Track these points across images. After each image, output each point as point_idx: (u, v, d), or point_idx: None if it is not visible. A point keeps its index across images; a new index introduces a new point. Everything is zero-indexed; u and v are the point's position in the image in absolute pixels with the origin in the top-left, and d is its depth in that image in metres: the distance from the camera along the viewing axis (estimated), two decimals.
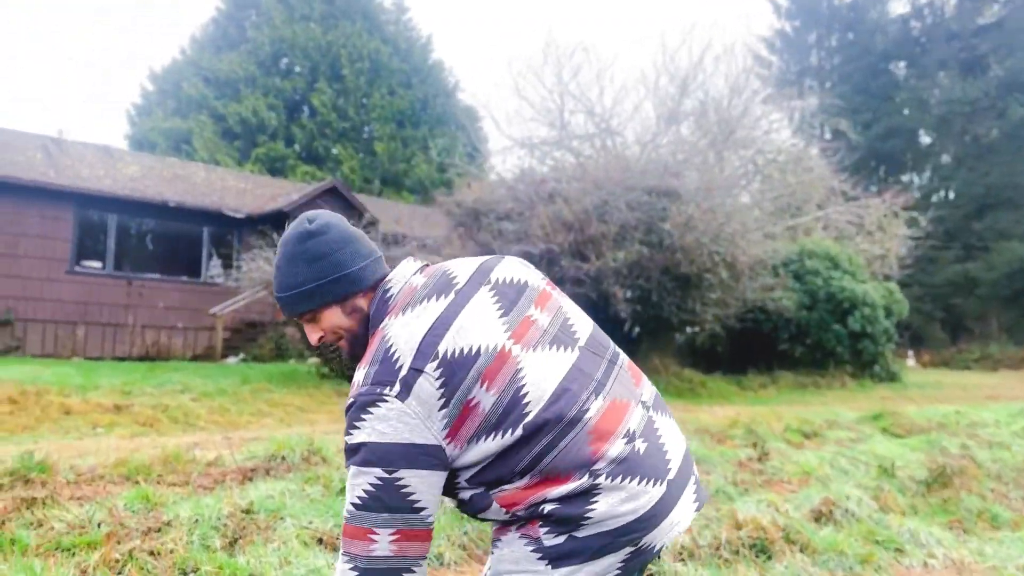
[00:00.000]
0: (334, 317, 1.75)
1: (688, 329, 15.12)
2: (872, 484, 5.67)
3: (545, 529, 1.61)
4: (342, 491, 4.37)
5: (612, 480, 1.59)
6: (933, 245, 24.62)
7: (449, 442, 1.57)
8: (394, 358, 1.58)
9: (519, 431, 1.57)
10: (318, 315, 1.76)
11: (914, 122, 40.64)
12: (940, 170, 40.92)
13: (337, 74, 32.83)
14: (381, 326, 1.67)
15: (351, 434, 1.57)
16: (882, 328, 18.35)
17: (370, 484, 1.54)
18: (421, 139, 33.49)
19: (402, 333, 1.61)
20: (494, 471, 1.61)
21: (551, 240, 13.50)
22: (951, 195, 39.98)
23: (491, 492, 1.64)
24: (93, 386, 10.39)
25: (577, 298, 13.53)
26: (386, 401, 1.54)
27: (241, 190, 20.26)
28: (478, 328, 1.62)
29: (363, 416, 1.55)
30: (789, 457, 6.48)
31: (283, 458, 5.19)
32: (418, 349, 1.57)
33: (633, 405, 1.70)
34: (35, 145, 17.97)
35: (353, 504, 1.57)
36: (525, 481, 1.61)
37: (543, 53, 36.03)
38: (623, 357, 1.82)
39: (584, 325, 1.79)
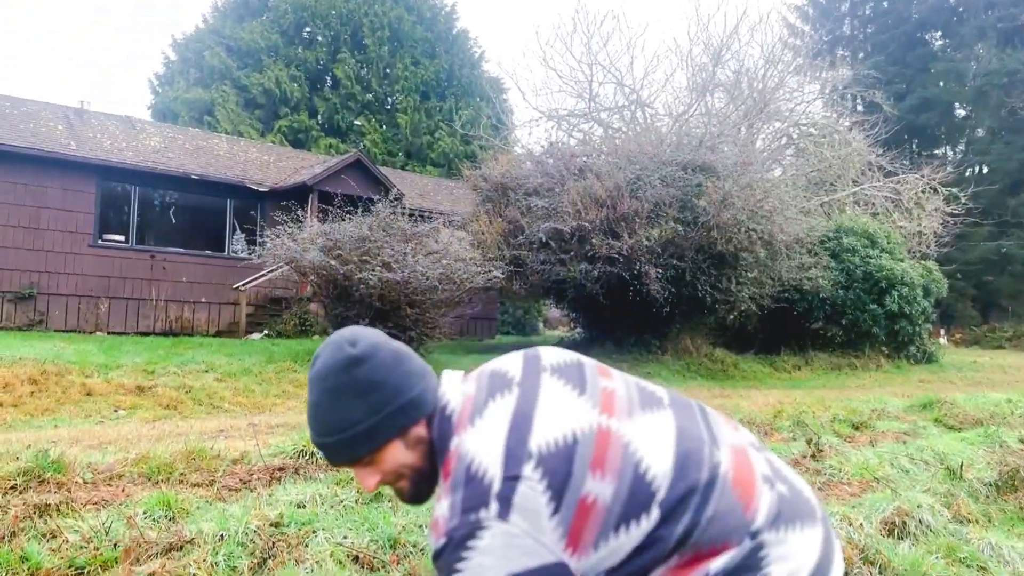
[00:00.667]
0: (396, 455, 1.46)
1: (719, 307, 14.65)
2: (940, 488, 5.29)
3: None
4: (376, 498, 4.06)
5: (775, 533, 1.37)
6: (966, 221, 23.88)
7: (572, 553, 1.31)
8: (481, 473, 1.31)
9: (655, 513, 1.34)
10: (377, 456, 1.46)
11: (949, 94, 39.56)
12: (974, 144, 39.87)
13: (359, 43, 32.31)
14: (452, 448, 1.39)
15: None
16: (920, 308, 17.82)
17: None
18: (445, 111, 32.94)
19: (482, 443, 1.35)
20: (635, 563, 1.34)
21: (582, 217, 13.08)
22: (984, 170, 38.93)
23: None
24: (115, 365, 10.17)
25: (609, 277, 13.25)
26: (486, 528, 1.27)
27: (264, 162, 19.96)
28: (564, 413, 1.38)
29: (462, 555, 1.27)
30: (845, 455, 6.10)
31: (312, 454, 4.89)
32: (506, 454, 1.32)
33: (749, 449, 1.50)
34: (56, 116, 17.73)
35: None
36: (675, 561, 1.35)
37: (572, 21, 35.42)
38: (706, 406, 1.62)
39: (654, 384, 1.61)
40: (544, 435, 1.32)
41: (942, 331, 30.39)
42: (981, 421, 8.26)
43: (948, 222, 21.98)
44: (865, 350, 17.61)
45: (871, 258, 17.30)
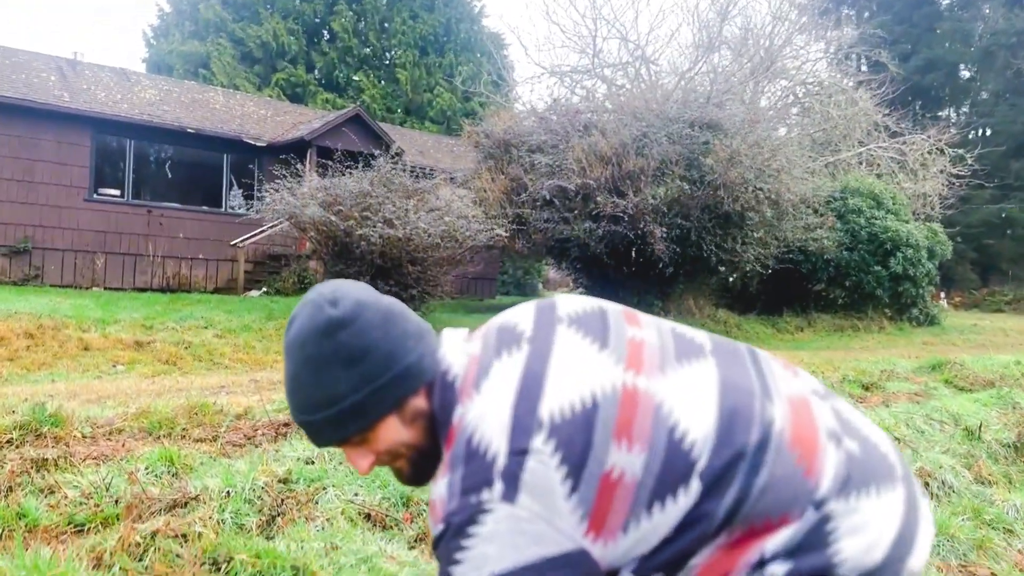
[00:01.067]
0: (392, 432, 1.24)
1: (723, 268, 14.50)
2: (959, 449, 5.18)
3: None
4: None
5: (844, 501, 1.14)
6: (970, 184, 23.63)
7: (595, 538, 1.11)
8: (483, 448, 1.11)
9: (696, 486, 1.12)
10: (370, 435, 1.24)
11: (955, 55, 39.02)
12: (979, 106, 39.43)
13: None
14: (455, 420, 1.18)
15: (450, 575, 1.10)
16: (924, 271, 17.67)
17: None
18: (445, 67, 32.39)
19: (484, 412, 1.14)
20: (674, 547, 1.13)
21: (587, 175, 12.85)
22: (988, 132, 38.55)
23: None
24: (113, 320, 10.01)
25: (613, 237, 13.06)
26: (488, 511, 1.08)
27: (261, 117, 19.61)
28: (581, 372, 1.16)
29: (462, 544, 1.08)
30: None
31: None
32: (512, 424, 1.11)
33: (811, 399, 1.25)
34: (49, 67, 17.34)
35: None
36: (723, 540, 1.12)
37: None
38: (758, 350, 1.36)
39: (693, 330, 1.36)
40: (558, 399, 1.12)
41: (942, 294, 30.32)
42: (991, 383, 8.17)
43: (953, 184, 21.74)
44: (868, 312, 17.50)
45: (876, 219, 17.11)
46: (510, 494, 1.07)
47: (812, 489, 1.13)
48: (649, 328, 1.29)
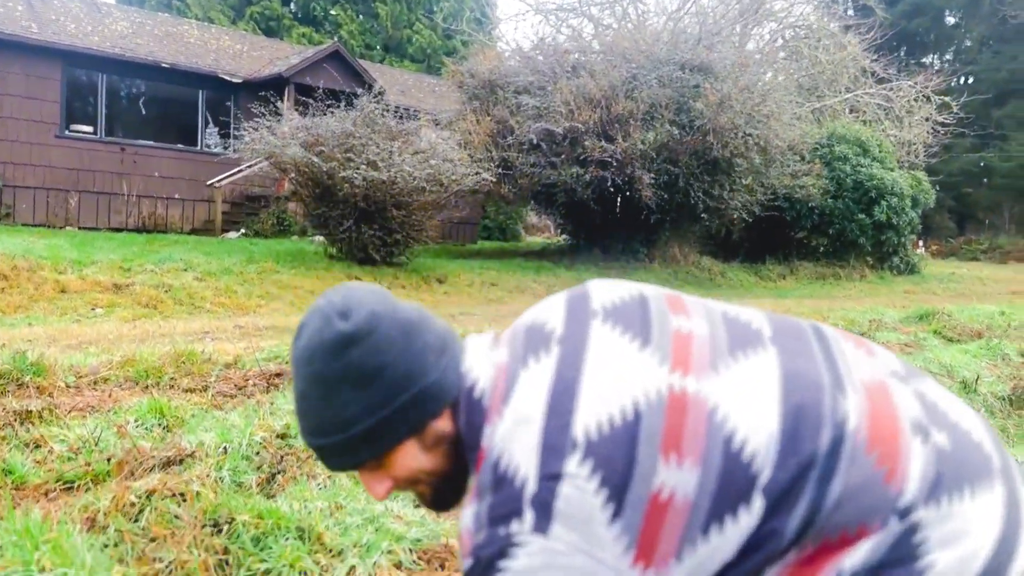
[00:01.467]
0: (410, 459, 1.11)
1: (709, 215, 14.40)
2: None
3: None
4: None
5: (934, 508, 0.98)
6: (953, 132, 23.57)
7: (644, 569, 0.97)
8: (511, 473, 0.99)
9: (758, 503, 0.98)
10: (386, 461, 1.11)
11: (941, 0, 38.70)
12: (963, 53, 39.33)
13: None
14: (483, 443, 1.05)
15: None
16: (907, 219, 17.74)
17: None
18: (425, 2, 31.57)
19: (511, 432, 1.01)
20: (737, 571, 1.01)
21: (575, 118, 12.60)
22: (971, 80, 38.46)
23: None
24: (89, 261, 9.74)
25: (601, 183, 12.89)
26: (520, 544, 0.96)
27: (237, 52, 19.00)
28: (620, 377, 1.02)
29: None
30: None
31: None
32: (543, 444, 0.98)
33: (890, 384, 1.08)
34: None
35: None
36: (793, 559, 1.00)
37: None
38: (826, 328, 1.18)
39: (749, 311, 1.19)
40: (594, 412, 0.99)
41: (920, 243, 30.56)
42: (979, 333, 8.21)
43: (937, 132, 21.68)
44: (850, 260, 17.59)
45: (862, 167, 17.06)
46: (542, 525, 0.95)
47: (895, 495, 0.98)
48: (697, 316, 1.13)
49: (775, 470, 0.98)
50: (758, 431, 0.99)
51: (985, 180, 36.04)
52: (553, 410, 0.99)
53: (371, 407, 1.06)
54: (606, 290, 1.17)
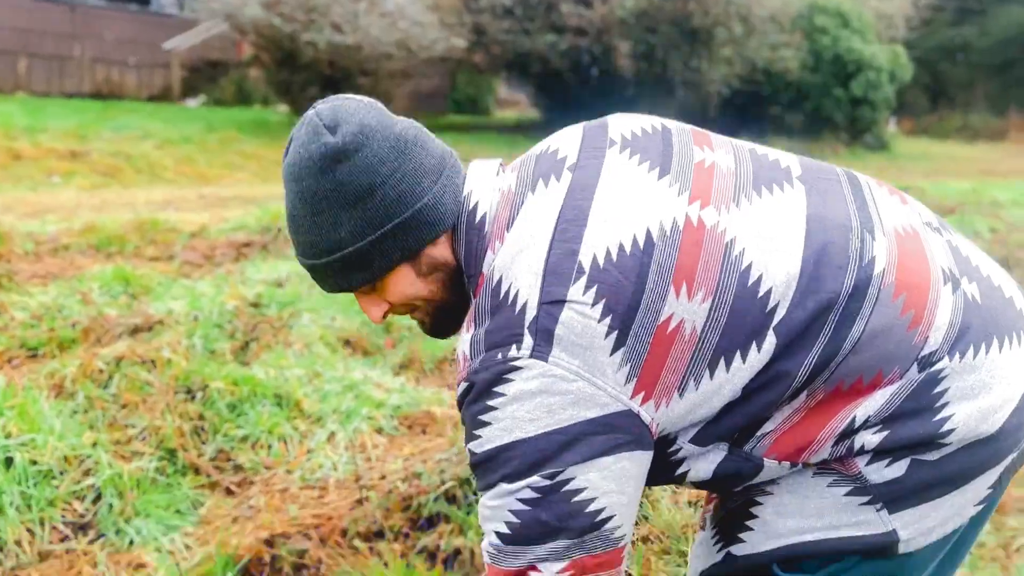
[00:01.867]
0: (404, 285, 1.05)
1: (687, 88, 14.11)
2: None
3: (866, 460, 0.97)
4: None
5: (958, 358, 0.95)
6: (931, 6, 22.99)
7: (644, 400, 0.93)
8: (512, 297, 0.95)
9: (770, 341, 0.93)
10: (379, 285, 1.06)
11: None
12: None
13: None
14: (484, 269, 1.01)
15: (477, 438, 0.96)
16: (883, 95, 17.55)
17: (522, 501, 0.94)
18: None
19: (516, 258, 0.97)
20: (741, 411, 0.97)
21: None
22: None
23: (746, 447, 0.99)
24: (42, 128, 9.34)
25: (578, 53, 12.47)
26: (519, 368, 0.92)
27: None
28: (633, 204, 0.96)
29: (488, 405, 0.93)
30: None
31: (280, 230, 4.46)
32: (546, 270, 0.93)
33: (922, 232, 1.04)
34: None
35: (499, 535, 0.97)
36: (802, 402, 0.96)
37: None
38: (859, 174, 1.13)
39: (779, 151, 1.13)
40: (603, 238, 0.93)
41: (892, 119, 30.40)
42: (952, 209, 8.27)
43: (918, 4, 21.15)
44: (824, 136, 17.49)
45: (841, 40, 16.72)
46: (542, 349, 0.91)
47: (919, 344, 0.94)
48: (723, 149, 1.06)
49: (791, 309, 0.93)
50: (777, 268, 0.94)
51: (960, 56, 35.55)
52: (560, 235, 0.94)
53: (361, 229, 1.00)
54: (626, 121, 1.10)
